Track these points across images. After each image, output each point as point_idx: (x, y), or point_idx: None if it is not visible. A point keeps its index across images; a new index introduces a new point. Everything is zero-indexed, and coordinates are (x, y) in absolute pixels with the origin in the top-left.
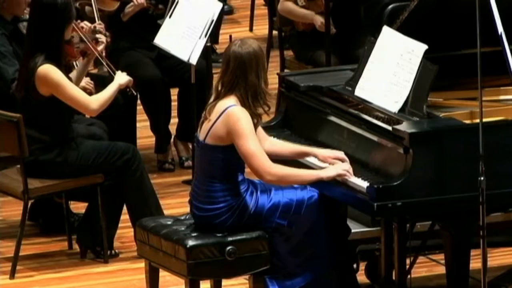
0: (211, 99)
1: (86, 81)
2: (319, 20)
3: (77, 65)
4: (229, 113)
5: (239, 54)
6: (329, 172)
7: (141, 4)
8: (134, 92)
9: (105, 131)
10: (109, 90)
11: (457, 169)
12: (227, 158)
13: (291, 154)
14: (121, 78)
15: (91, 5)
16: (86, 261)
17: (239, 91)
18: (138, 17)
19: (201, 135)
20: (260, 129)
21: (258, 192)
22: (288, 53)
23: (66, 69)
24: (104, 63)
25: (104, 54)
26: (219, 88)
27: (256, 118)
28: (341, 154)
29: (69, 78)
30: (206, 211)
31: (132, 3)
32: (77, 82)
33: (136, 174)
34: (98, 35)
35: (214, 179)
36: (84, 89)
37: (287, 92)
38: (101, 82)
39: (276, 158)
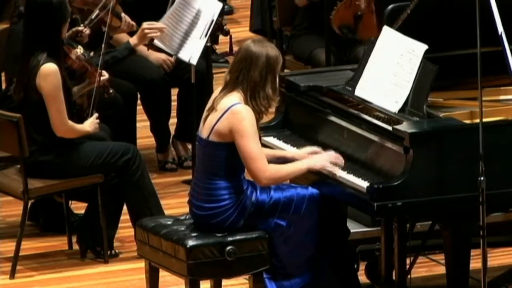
0: (219, 90)
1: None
2: None
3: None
4: (233, 111)
5: (249, 48)
6: (314, 163)
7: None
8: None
9: (108, 134)
10: (82, 129)
11: (457, 169)
12: (230, 155)
13: (272, 159)
14: (89, 126)
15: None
16: (86, 261)
17: (242, 86)
18: (139, 17)
19: (204, 132)
20: None
21: (258, 191)
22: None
23: (67, 72)
24: (92, 101)
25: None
26: (227, 78)
27: (257, 114)
28: (317, 148)
29: (71, 86)
30: (207, 209)
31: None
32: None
33: (136, 174)
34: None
35: (216, 176)
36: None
37: (287, 92)
38: None
39: None
